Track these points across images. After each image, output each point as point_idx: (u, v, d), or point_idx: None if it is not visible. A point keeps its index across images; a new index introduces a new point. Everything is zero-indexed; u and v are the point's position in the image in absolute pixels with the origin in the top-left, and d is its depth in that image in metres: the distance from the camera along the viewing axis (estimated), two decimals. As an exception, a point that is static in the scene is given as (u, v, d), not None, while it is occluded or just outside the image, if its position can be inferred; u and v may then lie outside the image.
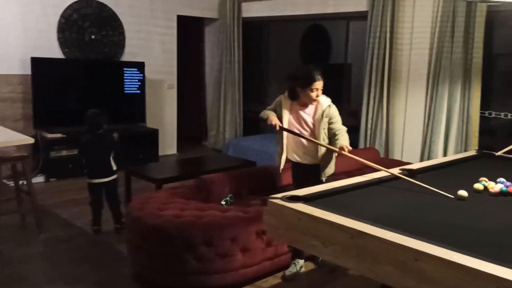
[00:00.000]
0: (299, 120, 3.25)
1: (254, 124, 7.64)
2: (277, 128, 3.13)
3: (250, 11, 7.01)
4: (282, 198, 2.29)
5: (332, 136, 3.22)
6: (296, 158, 3.33)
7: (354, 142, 5.81)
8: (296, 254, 3.33)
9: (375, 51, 5.45)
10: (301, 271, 3.35)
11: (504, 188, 2.56)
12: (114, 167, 4.13)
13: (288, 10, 6.45)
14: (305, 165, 3.31)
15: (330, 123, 3.22)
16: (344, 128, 3.23)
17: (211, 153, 7.43)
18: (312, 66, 3.22)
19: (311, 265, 3.51)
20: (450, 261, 1.60)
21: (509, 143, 5.23)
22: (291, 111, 3.25)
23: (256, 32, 7.42)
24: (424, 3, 5.13)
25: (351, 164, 3.99)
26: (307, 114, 3.24)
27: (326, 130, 3.22)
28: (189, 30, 7.71)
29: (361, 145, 5.72)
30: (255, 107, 7.59)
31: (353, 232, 1.91)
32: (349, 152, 3.02)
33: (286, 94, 3.28)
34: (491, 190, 2.57)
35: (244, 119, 7.45)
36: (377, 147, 5.56)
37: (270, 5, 6.69)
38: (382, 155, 5.47)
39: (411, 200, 2.48)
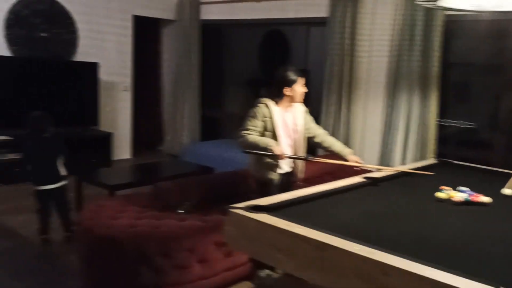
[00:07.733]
0: (286, 127, 3.09)
1: (212, 129, 7.49)
2: (283, 158, 2.92)
3: (209, 13, 6.88)
4: (244, 208, 2.17)
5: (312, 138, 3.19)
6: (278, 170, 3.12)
7: (313, 148, 5.83)
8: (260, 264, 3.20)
9: (335, 58, 5.44)
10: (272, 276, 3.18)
11: (468, 198, 2.55)
12: (63, 173, 3.88)
13: (248, 14, 6.37)
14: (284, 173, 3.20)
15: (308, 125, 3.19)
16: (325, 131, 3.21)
17: (167, 158, 7.21)
18: (286, 67, 3.12)
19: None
20: (421, 276, 1.54)
21: (462, 150, 5.40)
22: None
23: (215, 35, 7.29)
24: (384, 11, 5.17)
25: (321, 169, 3.95)
26: (290, 119, 3.12)
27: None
28: (146, 31, 7.47)
29: (320, 151, 5.69)
30: (213, 111, 7.46)
31: (318, 244, 1.82)
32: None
33: (267, 100, 3.05)
34: (453, 199, 2.56)
35: (202, 123, 7.29)
36: (335, 154, 5.54)
37: (229, 8, 6.59)
38: (340, 162, 5.45)
39: (375, 209, 2.42)
